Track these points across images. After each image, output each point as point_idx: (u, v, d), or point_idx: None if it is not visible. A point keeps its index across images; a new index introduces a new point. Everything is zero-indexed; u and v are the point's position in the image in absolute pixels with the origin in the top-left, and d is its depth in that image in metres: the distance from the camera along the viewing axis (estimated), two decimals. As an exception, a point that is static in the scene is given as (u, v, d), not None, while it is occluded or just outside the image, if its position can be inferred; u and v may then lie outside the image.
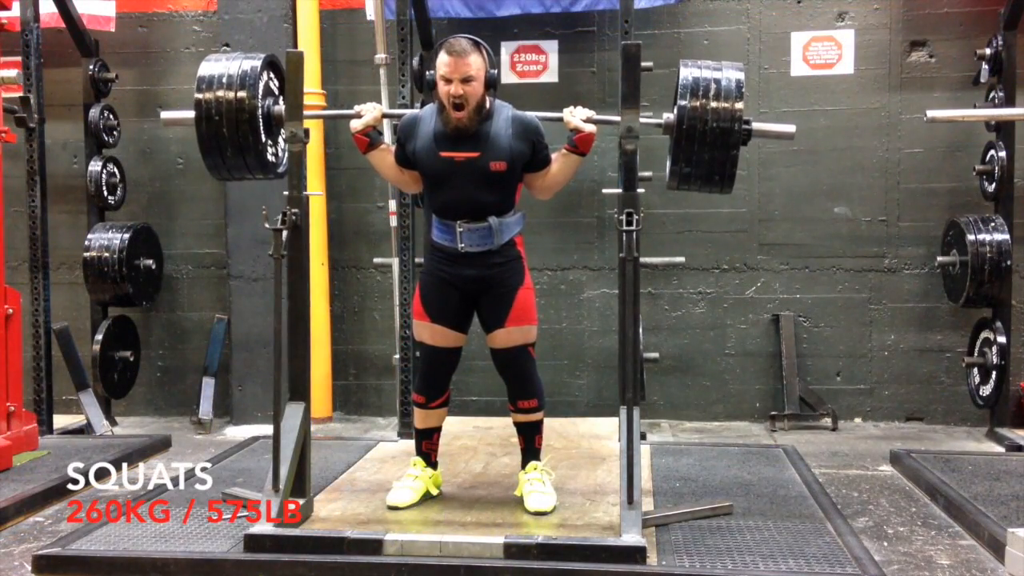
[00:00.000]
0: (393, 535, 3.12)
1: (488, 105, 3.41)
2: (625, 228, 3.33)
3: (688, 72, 3.34)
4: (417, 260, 4.86)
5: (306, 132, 3.47)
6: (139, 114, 6.04)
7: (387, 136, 4.86)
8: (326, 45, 5.85)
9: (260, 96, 3.47)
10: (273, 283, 3.40)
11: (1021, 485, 3.94)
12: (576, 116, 3.38)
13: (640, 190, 3.49)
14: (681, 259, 5.57)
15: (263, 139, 3.50)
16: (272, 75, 3.63)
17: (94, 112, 5.66)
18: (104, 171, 5.66)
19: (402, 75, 4.98)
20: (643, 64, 3.64)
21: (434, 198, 3.48)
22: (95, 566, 3.12)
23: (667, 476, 4.11)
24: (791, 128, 3.52)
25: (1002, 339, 5.07)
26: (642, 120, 3.40)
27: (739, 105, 3.27)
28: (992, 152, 5.18)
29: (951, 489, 3.86)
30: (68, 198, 5.90)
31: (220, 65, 3.50)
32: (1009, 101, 5.09)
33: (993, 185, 5.20)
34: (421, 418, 3.64)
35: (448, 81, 3.31)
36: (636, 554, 3.01)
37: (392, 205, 5.32)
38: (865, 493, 4.14)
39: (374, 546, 3.08)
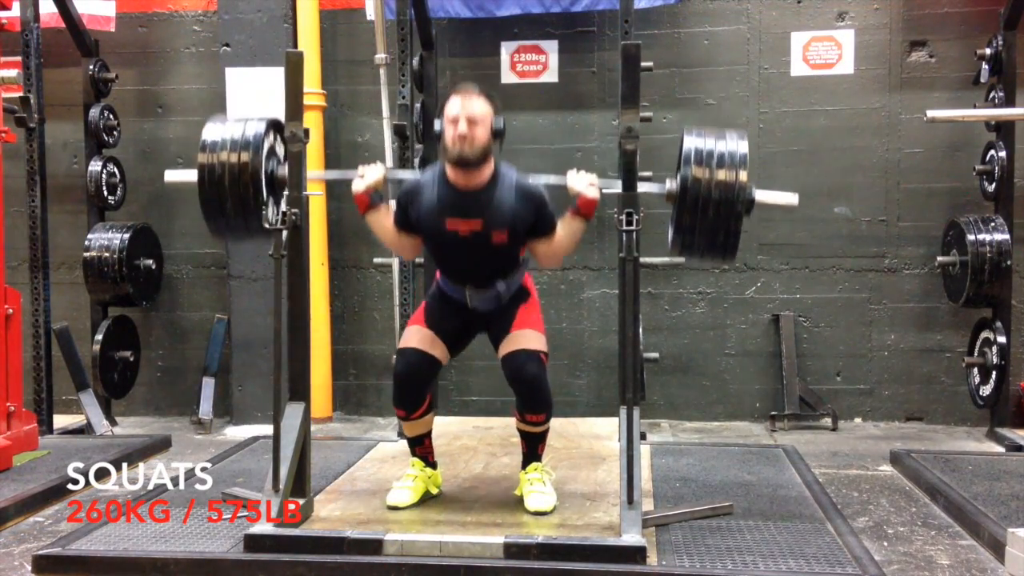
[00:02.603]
0: (393, 535, 3.12)
1: (493, 165, 3.37)
2: (625, 228, 3.32)
3: (692, 142, 3.29)
4: (417, 260, 4.85)
5: (306, 132, 3.45)
6: (139, 114, 6.04)
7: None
8: (326, 45, 5.85)
9: (264, 159, 3.38)
10: (273, 283, 3.40)
11: (1021, 485, 3.94)
12: (580, 181, 3.33)
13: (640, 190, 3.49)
14: (681, 259, 5.57)
15: (266, 201, 3.40)
16: (277, 137, 3.51)
17: (94, 112, 5.65)
18: (104, 171, 5.65)
19: (402, 75, 4.98)
20: (643, 64, 3.63)
21: (439, 262, 3.55)
22: (95, 566, 3.12)
23: (667, 476, 4.10)
24: (794, 199, 3.46)
25: (1002, 339, 5.07)
26: (644, 188, 3.40)
27: (743, 176, 3.23)
28: (992, 152, 5.18)
29: (951, 489, 3.86)
30: (68, 198, 5.89)
31: (224, 128, 3.40)
32: (1009, 101, 5.09)
33: (993, 185, 5.20)
34: (407, 428, 3.61)
35: (454, 122, 3.27)
36: (636, 554, 3.00)
37: (393, 205, 5.30)
38: (865, 493, 4.14)
39: (374, 546, 3.07)
